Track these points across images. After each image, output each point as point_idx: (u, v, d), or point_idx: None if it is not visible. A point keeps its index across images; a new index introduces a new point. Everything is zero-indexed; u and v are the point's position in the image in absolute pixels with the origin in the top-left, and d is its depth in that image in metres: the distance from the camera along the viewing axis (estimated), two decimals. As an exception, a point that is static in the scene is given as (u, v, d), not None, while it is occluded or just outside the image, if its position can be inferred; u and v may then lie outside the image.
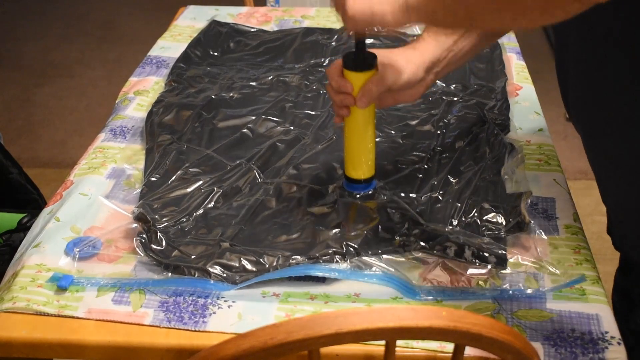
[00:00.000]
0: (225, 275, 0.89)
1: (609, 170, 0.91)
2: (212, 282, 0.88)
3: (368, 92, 0.92)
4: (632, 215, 0.90)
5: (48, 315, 0.86)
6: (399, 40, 1.33)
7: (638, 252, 0.94)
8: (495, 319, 0.82)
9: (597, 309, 0.84)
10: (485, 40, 1.04)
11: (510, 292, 0.87)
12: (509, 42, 1.49)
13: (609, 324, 0.83)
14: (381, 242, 0.93)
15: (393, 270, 0.90)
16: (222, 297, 0.87)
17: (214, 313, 0.85)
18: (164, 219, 0.97)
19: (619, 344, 0.80)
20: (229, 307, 0.86)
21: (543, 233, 0.96)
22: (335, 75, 0.93)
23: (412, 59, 0.95)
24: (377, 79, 0.91)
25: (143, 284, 0.89)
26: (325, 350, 0.71)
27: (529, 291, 0.87)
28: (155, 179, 1.06)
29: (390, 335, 0.64)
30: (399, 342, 0.69)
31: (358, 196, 1.01)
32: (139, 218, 0.97)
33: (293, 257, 0.91)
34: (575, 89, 0.92)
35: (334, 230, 0.95)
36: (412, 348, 0.80)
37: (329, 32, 1.52)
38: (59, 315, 0.86)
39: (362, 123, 0.96)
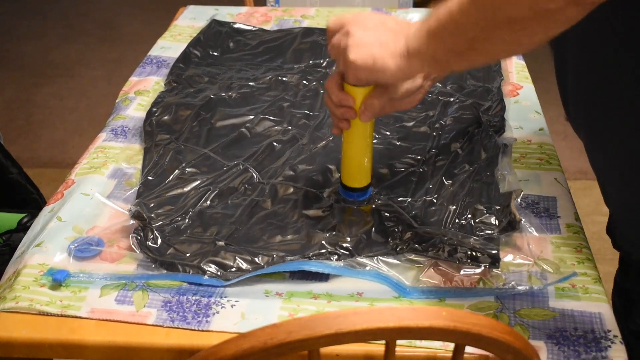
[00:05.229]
0: (219, 273, 0.90)
1: (612, 170, 0.90)
2: (206, 277, 0.89)
3: (370, 106, 0.91)
4: (635, 215, 0.90)
5: (51, 315, 0.86)
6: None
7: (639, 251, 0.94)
8: (498, 318, 0.83)
9: (599, 308, 0.85)
10: None
11: (504, 289, 0.87)
12: (509, 42, 1.48)
13: (610, 323, 0.83)
14: (375, 245, 0.93)
15: (386, 270, 0.90)
16: (225, 297, 0.87)
17: (217, 312, 0.85)
18: (160, 218, 0.98)
19: (621, 342, 0.80)
20: (232, 306, 0.86)
21: (534, 231, 0.96)
22: (336, 90, 0.92)
23: None
24: (378, 91, 0.91)
25: (139, 277, 0.89)
26: (325, 350, 0.71)
27: (521, 288, 0.87)
28: (152, 178, 1.06)
29: (390, 335, 0.64)
30: (401, 341, 0.69)
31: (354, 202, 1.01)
32: (135, 216, 0.97)
33: (288, 257, 0.91)
34: (576, 90, 0.92)
35: (329, 233, 0.95)
36: (414, 347, 0.80)
37: (329, 32, 1.52)
38: (62, 315, 0.86)
39: (362, 135, 0.96)
